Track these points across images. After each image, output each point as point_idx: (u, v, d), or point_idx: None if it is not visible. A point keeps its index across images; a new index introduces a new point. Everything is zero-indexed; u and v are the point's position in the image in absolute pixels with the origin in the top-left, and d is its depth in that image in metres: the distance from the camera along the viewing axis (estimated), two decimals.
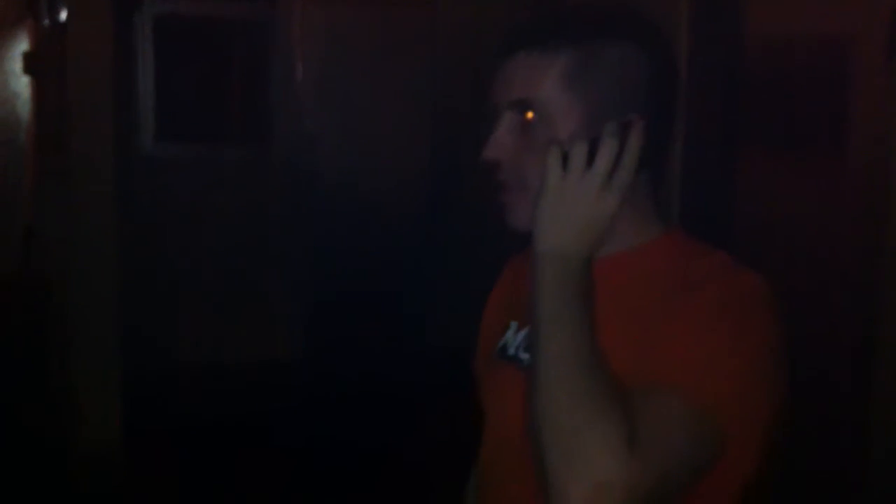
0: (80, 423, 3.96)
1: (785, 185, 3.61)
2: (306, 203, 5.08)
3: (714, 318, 1.02)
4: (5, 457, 3.80)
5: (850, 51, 3.32)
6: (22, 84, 7.14)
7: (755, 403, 1.03)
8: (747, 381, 1.01)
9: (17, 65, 7.05)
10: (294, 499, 3.68)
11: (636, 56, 1.09)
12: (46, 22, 5.61)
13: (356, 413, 4.34)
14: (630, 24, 1.12)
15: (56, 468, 3.81)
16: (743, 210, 3.71)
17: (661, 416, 0.97)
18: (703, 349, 1.00)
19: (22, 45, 7.08)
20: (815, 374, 3.02)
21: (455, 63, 5.08)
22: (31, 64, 6.67)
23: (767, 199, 3.67)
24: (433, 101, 5.27)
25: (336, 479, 3.83)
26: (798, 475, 3.17)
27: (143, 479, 3.79)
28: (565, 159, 1.05)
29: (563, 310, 1.01)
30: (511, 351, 1.20)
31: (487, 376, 1.26)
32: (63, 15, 5.21)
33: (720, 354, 1.00)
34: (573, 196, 1.04)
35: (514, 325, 1.22)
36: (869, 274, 3.28)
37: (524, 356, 1.16)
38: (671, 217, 1.20)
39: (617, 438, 0.93)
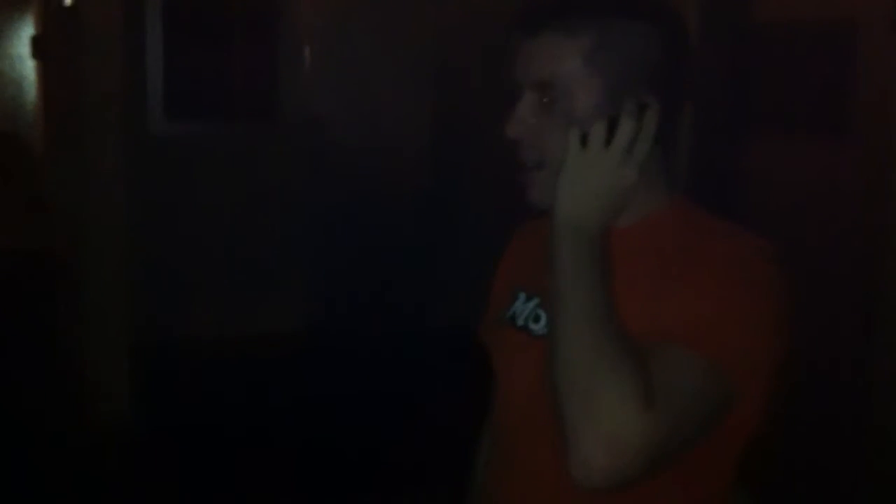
0: (89, 396, 4.00)
1: (790, 166, 3.63)
2: (312, 181, 5.10)
3: (720, 278, 1.06)
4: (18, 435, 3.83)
5: (857, 32, 3.33)
6: (29, 68, 7.18)
7: (760, 358, 1.07)
8: (753, 337, 1.05)
9: (24, 49, 7.09)
10: (300, 485, 3.70)
11: (653, 36, 1.12)
12: (53, 5, 5.63)
13: (356, 396, 4.35)
14: (648, 5, 1.15)
15: (62, 443, 3.84)
16: (749, 189, 3.73)
17: (673, 372, 1.01)
18: (711, 308, 1.04)
19: (28, 28, 7.11)
20: (818, 359, 3.05)
21: (461, 42, 5.10)
22: (40, 48, 6.70)
23: (773, 179, 3.68)
24: (439, 79, 5.28)
25: (338, 463, 3.84)
26: (801, 466, 3.20)
27: (149, 457, 3.81)
28: (585, 137, 1.10)
29: (579, 277, 1.05)
30: (520, 322, 1.23)
31: (496, 342, 1.29)
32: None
33: (727, 313, 1.04)
34: (593, 171, 1.09)
35: (521, 295, 1.25)
36: (872, 253, 3.30)
37: (533, 326, 1.21)
38: (679, 190, 1.24)
39: (632, 393, 0.97)
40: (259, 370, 4.73)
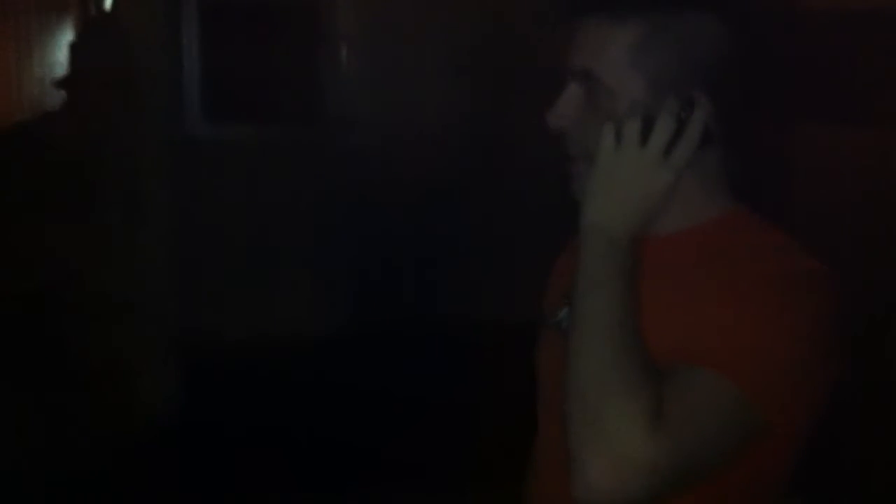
0: (135, 398, 4.02)
1: (838, 160, 3.56)
2: (354, 183, 5.10)
3: (763, 303, 0.99)
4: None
5: None
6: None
7: (796, 393, 1.00)
8: (790, 370, 0.99)
9: (62, 56, 7.10)
10: (333, 482, 3.70)
11: (711, 30, 1.04)
12: (93, 10, 5.65)
13: (394, 398, 4.34)
14: None
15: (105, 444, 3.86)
16: (797, 184, 3.67)
17: (695, 395, 0.95)
18: (749, 335, 0.98)
19: (68, 36, 7.13)
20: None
21: (500, 39, 5.07)
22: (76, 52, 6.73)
23: (821, 174, 3.62)
24: (480, 78, 5.25)
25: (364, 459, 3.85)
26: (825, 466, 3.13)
27: (190, 458, 3.82)
28: (620, 134, 1.03)
29: (602, 285, 1.00)
30: (565, 325, 1.16)
31: (541, 345, 1.25)
32: (108, 2, 5.25)
33: (766, 341, 0.98)
34: (624, 172, 1.02)
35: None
36: None
37: None
38: (742, 198, 1.15)
39: (641, 412, 0.91)
40: (295, 371, 4.72)
